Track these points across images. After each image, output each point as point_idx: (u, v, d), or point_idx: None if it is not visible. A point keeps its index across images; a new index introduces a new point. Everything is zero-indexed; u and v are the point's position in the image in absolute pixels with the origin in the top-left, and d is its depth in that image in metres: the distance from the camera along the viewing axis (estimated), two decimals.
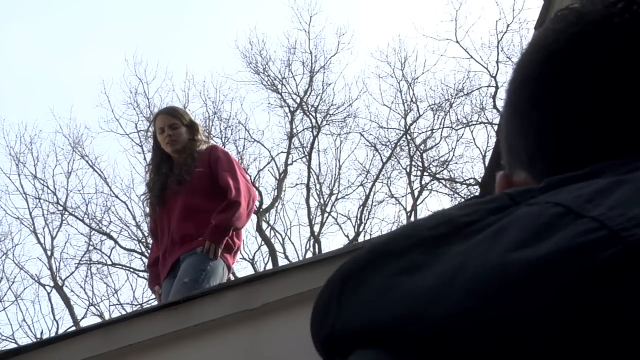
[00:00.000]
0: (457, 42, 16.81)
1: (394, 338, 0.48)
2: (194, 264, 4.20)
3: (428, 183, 17.30)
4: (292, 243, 17.03)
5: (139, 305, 15.33)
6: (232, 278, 4.92)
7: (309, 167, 17.13)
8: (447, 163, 17.13)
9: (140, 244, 16.42)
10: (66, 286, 16.01)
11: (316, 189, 17.23)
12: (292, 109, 17.55)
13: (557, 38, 0.65)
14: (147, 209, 4.93)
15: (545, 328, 0.44)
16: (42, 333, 15.36)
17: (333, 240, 21.48)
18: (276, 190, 16.98)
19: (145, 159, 16.54)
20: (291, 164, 17.27)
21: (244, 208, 4.36)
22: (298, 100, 17.54)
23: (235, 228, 4.31)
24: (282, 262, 15.39)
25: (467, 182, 16.72)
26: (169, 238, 4.41)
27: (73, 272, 16.17)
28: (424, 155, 17.25)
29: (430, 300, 0.47)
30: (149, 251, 17.22)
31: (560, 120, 0.63)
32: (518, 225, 0.49)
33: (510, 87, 0.69)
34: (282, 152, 17.30)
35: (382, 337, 0.48)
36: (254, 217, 16.27)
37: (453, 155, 16.98)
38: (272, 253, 16.32)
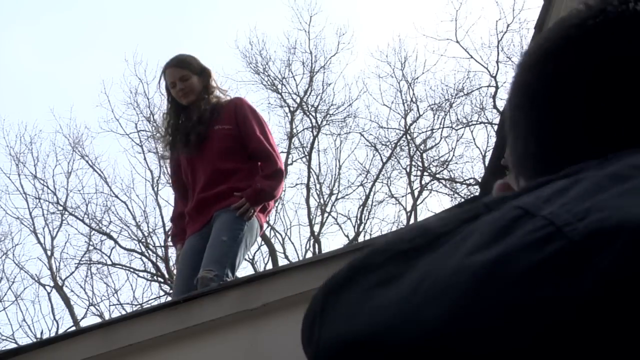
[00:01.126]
0: (457, 42, 16.83)
1: (370, 349, 0.48)
2: (230, 222, 4.11)
3: (428, 183, 17.32)
4: (292, 243, 17.05)
5: (139, 305, 15.33)
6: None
7: (309, 167, 17.13)
8: (447, 163, 17.14)
9: (140, 244, 16.42)
10: (66, 286, 16.03)
11: (316, 189, 17.24)
12: (292, 108, 17.56)
13: (541, 45, 0.67)
14: (166, 153, 4.69)
15: (495, 328, 0.45)
16: (42, 333, 15.37)
17: (333, 240, 21.50)
18: None
19: (145, 159, 16.56)
20: (291, 164, 17.27)
21: (283, 178, 4.35)
22: (298, 100, 17.56)
23: (275, 198, 4.32)
24: (282, 262, 15.40)
25: (467, 182, 16.72)
26: (198, 195, 4.26)
27: (73, 272, 16.18)
28: (424, 155, 17.26)
29: (398, 310, 0.48)
30: (149, 251, 17.14)
31: (540, 125, 0.65)
32: (480, 230, 0.50)
33: (507, 97, 0.70)
34: (282, 152, 17.30)
35: (359, 349, 0.49)
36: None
37: (453, 155, 17.00)
38: (272, 253, 16.32)
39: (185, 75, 4.39)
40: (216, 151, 4.27)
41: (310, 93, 17.56)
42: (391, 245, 0.54)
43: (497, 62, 16.58)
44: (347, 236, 16.78)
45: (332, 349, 0.51)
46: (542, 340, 0.44)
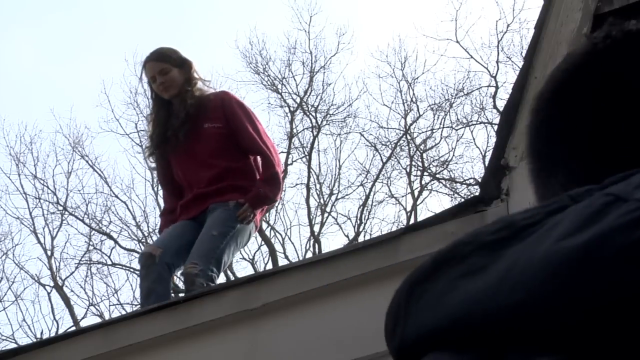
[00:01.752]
0: (457, 42, 16.82)
1: (456, 336, 0.49)
2: (225, 218, 4.06)
3: (428, 183, 17.31)
4: (292, 243, 17.04)
5: (139, 305, 15.31)
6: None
7: (309, 167, 17.13)
8: (447, 163, 17.13)
9: (140, 243, 16.41)
10: (66, 286, 16.02)
11: (316, 189, 17.24)
12: (292, 108, 17.55)
13: (554, 77, 0.69)
14: (150, 163, 4.63)
15: (587, 309, 0.46)
16: (42, 333, 15.37)
17: (333, 240, 21.46)
18: None
19: (145, 159, 16.51)
20: (291, 164, 17.28)
21: (282, 181, 4.30)
22: (298, 100, 17.55)
23: (276, 202, 4.37)
24: (282, 262, 15.39)
25: (467, 182, 16.72)
26: (196, 191, 4.19)
27: (73, 272, 16.18)
28: (424, 155, 17.25)
29: (487, 297, 0.49)
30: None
31: (571, 153, 0.66)
32: (569, 217, 0.51)
33: (528, 129, 0.71)
34: (282, 152, 17.29)
35: (446, 336, 0.50)
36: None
37: (453, 155, 16.99)
38: (272, 253, 16.32)
39: (165, 69, 4.28)
40: (208, 152, 4.18)
41: (310, 93, 17.57)
42: (475, 237, 0.54)
43: (497, 62, 16.59)
44: (347, 236, 16.78)
45: (421, 338, 0.51)
46: (631, 319, 0.45)
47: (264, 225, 16.45)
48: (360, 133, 17.40)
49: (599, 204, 0.51)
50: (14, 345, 11.00)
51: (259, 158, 4.25)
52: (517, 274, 0.48)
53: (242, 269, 15.90)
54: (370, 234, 16.52)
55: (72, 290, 16.02)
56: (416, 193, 17.07)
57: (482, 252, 0.52)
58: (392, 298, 0.55)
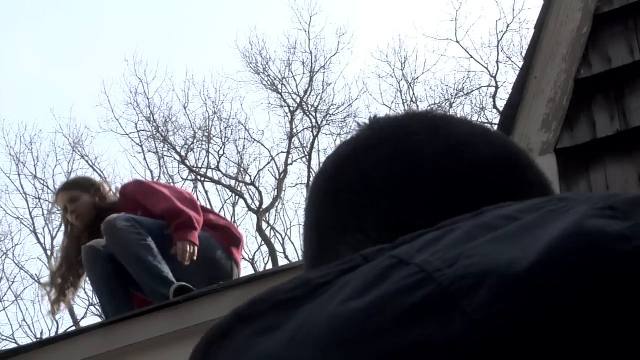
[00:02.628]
0: (457, 42, 16.82)
1: None
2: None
3: None
4: (292, 243, 17.04)
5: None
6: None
7: (309, 167, 17.14)
8: None
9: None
10: None
11: None
12: (292, 109, 17.56)
13: (325, 167, 0.78)
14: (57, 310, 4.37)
15: None
16: (42, 333, 15.36)
17: None
18: (276, 190, 17.00)
19: (145, 159, 16.55)
20: (291, 164, 17.29)
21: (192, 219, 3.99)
22: (298, 100, 17.55)
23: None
24: (282, 262, 15.40)
25: None
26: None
27: None
28: None
29: (273, 357, 0.50)
30: None
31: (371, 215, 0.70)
32: (357, 279, 0.52)
33: (304, 228, 0.76)
34: (282, 152, 17.31)
35: None
36: (253, 217, 16.30)
37: None
38: (272, 253, 16.33)
39: (75, 196, 4.10)
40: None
41: (310, 93, 17.57)
42: (271, 295, 0.56)
43: (497, 62, 16.58)
44: None
45: None
46: None
47: (264, 225, 16.47)
48: None
49: (383, 266, 0.52)
50: (14, 345, 11.00)
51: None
52: (304, 334, 0.50)
53: (243, 269, 15.89)
54: None
55: None
56: None
57: (277, 311, 0.53)
58: (190, 355, 0.56)
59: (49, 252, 16.15)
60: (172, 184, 4.32)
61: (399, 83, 17.44)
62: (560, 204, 0.56)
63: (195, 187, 16.66)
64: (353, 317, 0.49)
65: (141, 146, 16.71)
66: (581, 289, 0.47)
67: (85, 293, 15.92)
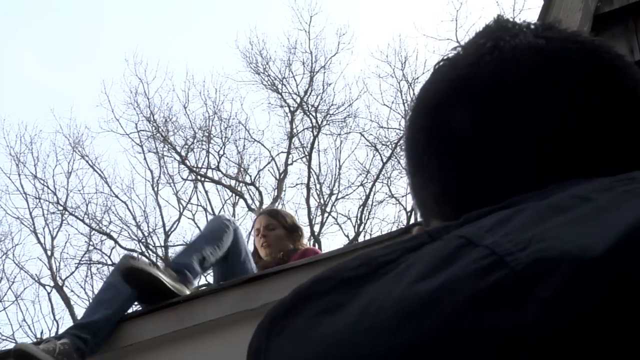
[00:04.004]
0: (458, 42, 16.74)
1: None
2: None
3: None
4: None
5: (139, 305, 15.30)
6: None
7: (309, 167, 17.13)
8: None
9: (140, 244, 16.43)
10: (66, 286, 16.01)
11: (316, 189, 17.24)
12: (292, 109, 17.55)
13: (437, 88, 0.69)
14: None
15: (438, 355, 0.46)
16: (42, 333, 15.36)
17: (333, 240, 21.47)
18: (276, 190, 16.99)
19: (145, 159, 16.55)
20: (291, 164, 17.28)
21: None
22: (298, 100, 17.55)
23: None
24: None
25: None
26: None
27: (73, 272, 16.16)
28: None
29: (341, 338, 0.49)
30: (149, 251, 17.12)
31: (455, 163, 0.66)
32: (424, 259, 0.52)
33: (406, 144, 0.72)
34: (282, 152, 17.31)
35: None
36: (254, 217, 16.27)
37: None
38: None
39: (272, 224, 4.10)
40: None
41: (310, 93, 17.56)
42: (336, 273, 0.55)
43: None
44: (347, 236, 16.78)
45: None
46: None
47: None
48: (360, 133, 17.42)
49: (451, 247, 0.51)
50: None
51: None
52: (371, 316, 0.49)
53: None
54: (371, 234, 16.53)
55: (72, 290, 16.03)
56: None
57: (342, 289, 0.52)
58: (254, 333, 0.55)
59: (49, 252, 16.16)
60: None
61: (399, 83, 17.44)
62: (633, 185, 0.54)
63: (195, 187, 16.68)
64: (422, 299, 0.48)
65: (141, 146, 16.72)
66: None
67: (86, 293, 15.95)
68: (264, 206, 16.32)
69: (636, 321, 0.45)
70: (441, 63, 0.71)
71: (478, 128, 0.65)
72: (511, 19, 0.71)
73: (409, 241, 0.55)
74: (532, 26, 0.69)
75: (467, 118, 0.66)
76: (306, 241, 4.22)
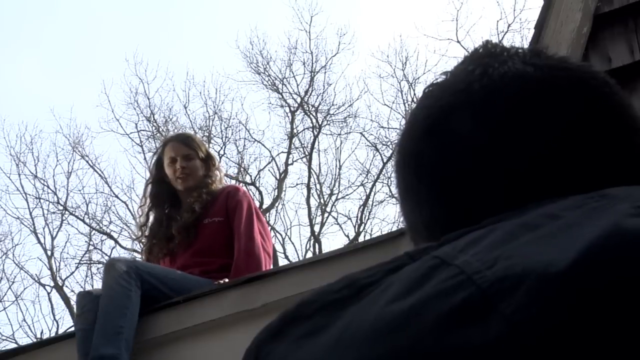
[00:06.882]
0: (458, 42, 16.81)
1: None
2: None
3: None
4: (292, 243, 17.04)
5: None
6: None
7: (309, 167, 17.13)
8: None
9: (141, 244, 16.41)
10: (66, 286, 16.01)
11: (316, 189, 17.24)
12: (292, 109, 17.55)
13: (427, 114, 0.70)
14: (144, 255, 4.17)
15: None
16: (42, 333, 15.36)
17: (333, 240, 21.47)
18: (276, 190, 16.99)
19: (145, 159, 16.53)
20: (291, 164, 17.28)
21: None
22: (299, 100, 17.55)
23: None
24: (282, 262, 15.39)
25: None
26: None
27: (73, 272, 16.17)
28: None
29: (321, 358, 0.50)
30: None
31: (445, 188, 0.67)
32: (400, 279, 0.53)
33: (396, 168, 0.73)
34: (282, 152, 17.31)
35: None
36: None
37: None
38: (272, 253, 16.31)
39: (190, 155, 3.90)
40: (205, 249, 3.83)
41: (311, 93, 17.56)
42: (320, 296, 0.56)
43: None
44: (347, 236, 16.78)
45: None
46: None
47: None
48: (360, 133, 17.41)
49: (425, 267, 0.52)
50: (14, 345, 11.00)
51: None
52: (349, 336, 0.50)
53: None
54: (371, 234, 16.53)
55: (72, 290, 16.01)
56: None
57: (325, 312, 0.54)
58: (243, 356, 0.56)
59: (49, 252, 16.15)
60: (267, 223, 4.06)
61: (399, 83, 17.44)
62: (602, 201, 0.55)
63: None
64: (395, 319, 0.49)
65: (141, 146, 16.72)
66: (617, 289, 0.47)
67: None
68: (264, 206, 16.32)
69: (593, 333, 0.46)
70: (431, 88, 0.72)
71: (467, 154, 0.66)
72: (500, 44, 0.72)
73: (390, 263, 0.56)
74: (521, 52, 0.70)
75: (457, 144, 0.67)
76: (218, 172, 4.00)
